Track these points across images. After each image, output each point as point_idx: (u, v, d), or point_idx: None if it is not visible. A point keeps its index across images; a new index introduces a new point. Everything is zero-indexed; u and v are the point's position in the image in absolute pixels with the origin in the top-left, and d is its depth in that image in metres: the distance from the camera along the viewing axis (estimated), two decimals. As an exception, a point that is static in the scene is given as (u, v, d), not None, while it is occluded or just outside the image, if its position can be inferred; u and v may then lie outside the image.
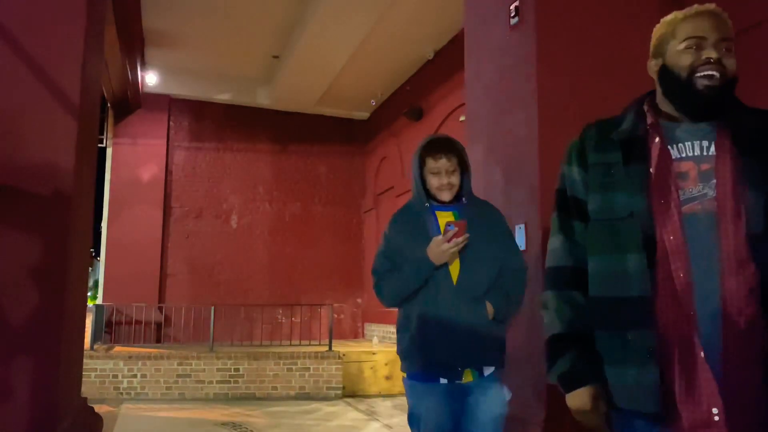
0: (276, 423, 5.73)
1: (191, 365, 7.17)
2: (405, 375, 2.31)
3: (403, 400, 7.31)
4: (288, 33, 8.44)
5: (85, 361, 5.56)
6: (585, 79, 3.52)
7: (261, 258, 10.41)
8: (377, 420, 5.89)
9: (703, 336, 1.25)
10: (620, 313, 1.36)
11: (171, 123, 10.19)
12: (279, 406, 6.67)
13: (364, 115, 11.12)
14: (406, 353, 2.27)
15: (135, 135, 9.83)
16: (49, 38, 3.21)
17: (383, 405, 6.76)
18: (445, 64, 8.07)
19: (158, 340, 9.36)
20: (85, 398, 4.04)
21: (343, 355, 7.46)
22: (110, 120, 9.74)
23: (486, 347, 2.21)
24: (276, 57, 9.24)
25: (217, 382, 7.17)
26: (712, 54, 1.35)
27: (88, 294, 5.58)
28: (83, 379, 4.53)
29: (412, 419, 2.26)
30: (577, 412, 1.43)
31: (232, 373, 7.21)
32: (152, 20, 8.10)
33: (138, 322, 9.11)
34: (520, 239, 3.43)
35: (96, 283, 12.99)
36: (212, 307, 7.99)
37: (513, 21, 3.70)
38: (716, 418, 1.21)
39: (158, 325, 9.46)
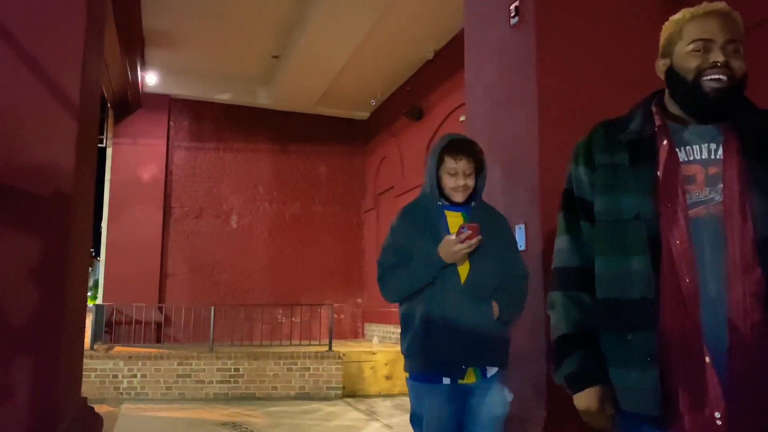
0: (276, 423, 5.73)
1: (191, 365, 7.17)
2: (408, 375, 2.30)
3: (403, 400, 7.33)
4: (288, 33, 8.44)
5: (85, 361, 5.56)
6: (585, 79, 3.52)
7: (261, 258, 10.42)
8: (377, 420, 5.89)
9: (708, 340, 1.24)
10: (623, 315, 1.36)
11: (171, 123, 10.19)
12: (279, 406, 6.68)
13: (364, 115, 11.12)
14: (409, 352, 2.26)
15: (135, 135, 9.83)
16: (49, 38, 3.21)
17: (383, 405, 6.76)
18: (445, 64, 8.07)
19: (158, 340, 9.37)
20: (85, 398, 4.03)
21: (343, 355, 7.46)
22: (110, 120, 9.74)
23: (490, 347, 2.22)
24: (276, 57, 9.24)
25: (217, 382, 7.17)
26: (719, 57, 1.32)
27: (88, 294, 5.58)
28: (83, 379, 4.53)
29: (415, 419, 2.26)
30: (584, 412, 1.41)
31: (232, 373, 7.22)
32: (152, 20, 8.10)
33: (138, 322, 9.11)
34: (520, 239, 3.43)
35: (96, 283, 12.99)
36: (212, 307, 7.99)
37: (513, 21, 3.70)
38: (719, 422, 1.21)
39: (158, 325, 9.46)
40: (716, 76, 1.32)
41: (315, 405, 6.75)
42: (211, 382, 7.16)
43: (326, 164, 11.03)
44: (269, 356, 7.30)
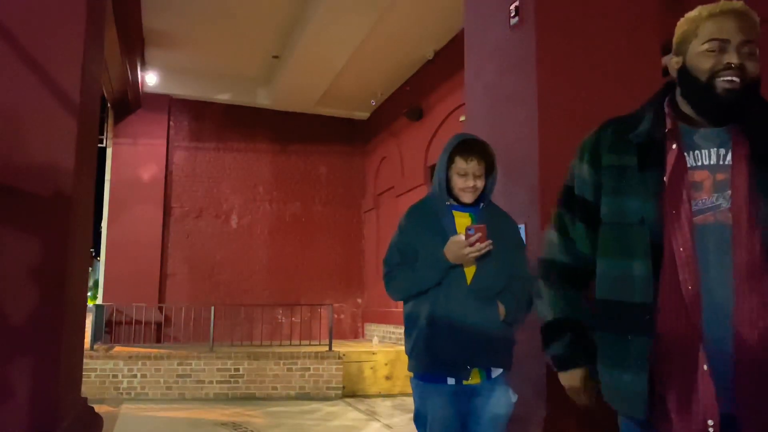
0: (276, 423, 5.73)
1: (191, 365, 7.17)
2: (412, 374, 2.30)
3: (403, 400, 7.33)
4: (288, 33, 8.44)
5: (85, 361, 5.56)
6: (585, 79, 3.52)
7: (261, 258, 10.42)
8: (377, 420, 5.89)
9: (710, 348, 1.23)
10: (621, 318, 1.36)
11: (171, 123, 10.19)
12: (279, 406, 6.68)
13: (364, 115, 11.12)
14: (414, 352, 2.26)
15: (135, 135, 9.83)
16: (49, 38, 3.21)
17: (383, 405, 6.76)
18: (445, 64, 8.07)
19: (158, 340, 9.37)
20: (85, 398, 4.03)
21: (343, 355, 7.46)
22: (110, 120, 9.74)
23: (495, 348, 2.21)
24: (276, 57, 9.25)
25: (217, 382, 7.17)
26: (734, 59, 1.30)
27: (88, 294, 5.58)
28: (83, 379, 4.53)
29: (418, 419, 2.26)
30: (569, 389, 1.55)
31: (232, 373, 7.22)
32: (152, 20, 8.10)
33: (138, 322, 9.11)
34: (520, 239, 3.43)
35: (96, 283, 12.99)
36: (212, 307, 8.00)
37: (513, 21, 3.70)
38: (711, 430, 1.21)
39: (158, 325, 9.46)
40: (729, 78, 1.29)
41: (315, 405, 6.75)
42: (211, 382, 7.16)
43: (326, 164, 11.03)
44: (269, 356, 7.30)
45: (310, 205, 10.86)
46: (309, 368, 7.31)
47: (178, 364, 7.15)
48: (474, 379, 2.20)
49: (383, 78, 9.43)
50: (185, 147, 10.29)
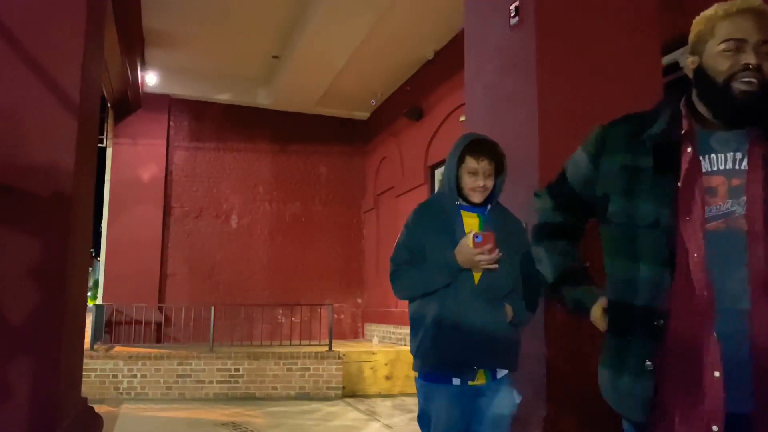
0: (276, 423, 5.73)
1: (191, 365, 7.17)
2: (417, 375, 2.30)
3: (403, 400, 7.32)
4: (288, 33, 8.44)
5: (85, 361, 5.56)
6: (585, 79, 3.52)
7: (261, 258, 10.42)
8: (377, 420, 5.89)
9: (725, 354, 1.21)
10: (625, 319, 1.35)
11: (171, 123, 10.19)
12: (279, 406, 6.68)
13: (364, 115, 11.12)
14: (419, 352, 2.26)
15: (135, 135, 9.83)
16: (49, 38, 3.21)
17: (383, 405, 6.76)
18: (445, 64, 8.07)
19: (158, 340, 9.37)
20: (85, 398, 4.03)
21: (343, 355, 7.46)
22: (110, 120, 9.74)
23: (502, 349, 2.21)
24: (276, 57, 9.24)
25: (217, 382, 7.17)
26: (752, 59, 1.26)
27: (88, 294, 5.58)
28: (83, 379, 4.53)
29: (422, 419, 2.26)
30: (593, 320, 1.58)
31: (232, 373, 7.22)
32: (152, 20, 8.10)
33: (138, 322, 9.11)
34: (520, 239, 3.43)
35: (96, 283, 12.99)
36: (212, 307, 8.00)
37: (513, 21, 3.70)
38: None
39: (158, 325, 9.46)
40: (747, 79, 1.26)
41: (315, 405, 6.75)
42: (211, 382, 7.16)
43: (326, 164, 11.03)
44: (269, 356, 7.30)
45: (310, 205, 10.85)
46: (309, 368, 7.31)
47: (178, 364, 7.15)
48: (479, 380, 2.20)
49: (383, 78, 9.43)
50: (185, 147, 10.29)
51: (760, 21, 1.28)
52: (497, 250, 2.13)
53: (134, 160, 9.79)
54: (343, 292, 10.72)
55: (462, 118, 6.66)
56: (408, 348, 2.38)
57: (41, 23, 3.20)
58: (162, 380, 7.10)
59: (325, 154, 11.03)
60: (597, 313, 1.51)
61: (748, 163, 1.28)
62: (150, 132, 9.92)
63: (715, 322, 1.22)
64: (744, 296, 1.22)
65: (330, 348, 7.56)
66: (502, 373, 2.24)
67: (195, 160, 10.33)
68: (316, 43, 7.99)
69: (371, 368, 7.55)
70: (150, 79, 9.51)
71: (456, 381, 2.18)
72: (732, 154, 1.30)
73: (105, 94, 8.68)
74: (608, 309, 1.43)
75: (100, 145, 8.26)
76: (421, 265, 2.25)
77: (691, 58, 1.39)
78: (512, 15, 3.71)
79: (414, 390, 2.39)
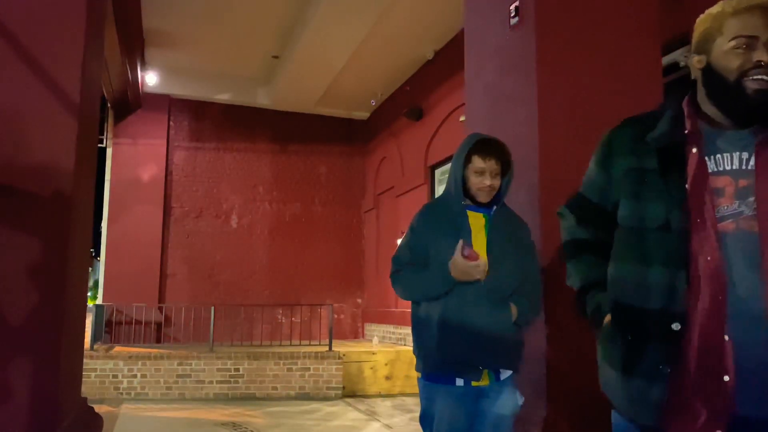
0: (276, 423, 5.73)
1: (191, 365, 7.17)
2: (419, 375, 2.29)
3: (403, 400, 7.32)
4: (288, 33, 8.44)
5: (85, 361, 5.56)
6: (585, 79, 3.52)
7: (261, 258, 10.42)
8: (377, 420, 5.89)
9: (740, 356, 1.19)
10: (636, 323, 1.32)
11: (171, 123, 10.19)
12: (279, 406, 6.68)
13: (364, 115, 11.12)
14: (423, 352, 2.25)
15: (135, 135, 9.83)
16: (49, 38, 3.21)
17: (383, 405, 6.76)
18: (445, 64, 8.07)
19: (158, 340, 9.37)
20: (85, 398, 4.03)
21: (343, 355, 7.46)
22: (110, 120, 9.74)
23: (506, 350, 2.21)
24: (276, 57, 9.25)
25: (217, 382, 7.17)
26: (764, 56, 1.23)
27: (88, 294, 5.58)
28: (83, 379, 4.53)
29: (425, 419, 2.25)
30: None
31: (232, 373, 7.22)
32: (152, 20, 8.10)
33: (138, 322, 9.11)
34: (520, 239, 3.43)
35: (96, 283, 12.99)
36: (212, 307, 8.00)
37: (513, 21, 3.70)
38: None
39: (158, 325, 9.46)
40: (760, 77, 1.23)
41: (315, 405, 6.75)
42: (211, 382, 7.16)
43: (326, 164, 11.03)
44: (269, 356, 7.30)
45: (310, 205, 10.86)
46: (309, 368, 7.31)
47: (178, 364, 7.15)
48: (483, 381, 2.19)
49: (383, 78, 9.43)
50: (185, 147, 10.29)
51: None
52: (485, 263, 2.14)
53: (134, 160, 9.80)
54: (343, 292, 10.72)
55: (462, 118, 6.66)
56: (408, 348, 2.38)
57: (41, 23, 3.20)
58: (162, 380, 7.10)
59: (325, 154, 11.03)
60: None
61: (756, 162, 1.25)
62: (150, 132, 9.92)
63: (728, 326, 1.20)
64: (759, 299, 1.20)
65: (330, 348, 7.56)
66: (505, 374, 2.24)
67: (195, 160, 10.33)
68: (316, 43, 7.99)
69: (371, 368, 7.55)
70: (150, 79, 9.51)
71: (459, 381, 2.18)
72: (738, 153, 1.27)
73: (105, 94, 8.68)
74: (614, 312, 1.40)
75: (100, 145, 8.26)
76: (420, 271, 2.25)
77: (697, 57, 1.36)
78: (512, 15, 3.71)
79: (414, 390, 2.39)
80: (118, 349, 7.68)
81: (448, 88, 8.01)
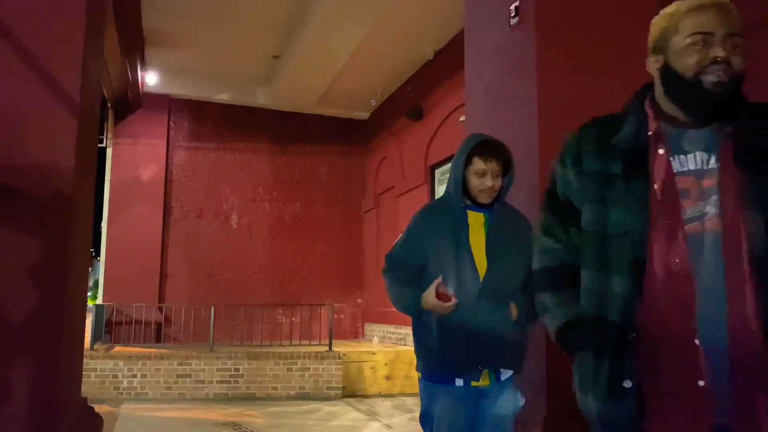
0: (276, 423, 5.73)
1: (191, 365, 7.17)
2: (420, 375, 2.30)
3: (403, 400, 7.32)
4: (288, 33, 8.44)
5: (85, 361, 5.56)
6: (585, 79, 3.52)
7: (261, 258, 10.42)
8: (377, 420, 5.89)
9: (708, 363, 1.17)
10: (602, 337, 1.28)
11: (171, 123, 10.19)
12: (279, 406, 6.68)
13: (364, 115, 11.12)
14: (423, 352, 2.26)
15: (135, 135, 9.83)
16: (49, 38, 3.21)
17: (383, 405, 6.76)
18: (445, 64, 8.07)
19: (158, 340, 9.37)
20: (85, 398, 4.03)
21: (343, 355, 7.46)
22: (110, 120, 9.74)
23: (506, 350, 2.20)
24: (276, 57, 9.25)
25: (217, 382, 7.17)
26: (720, 52, 1.23)
27: (88, 294, 5.58)
28: (83, 379, 4.53)
29: (425, 419, 2.25)
30: None
31: (232, 373, 7.22)
32: (152, 20, 8.10)
33: (138, 322, 9.11)
34: (520, 239, 3.43)
35: (96, 283, 12.99)
36: (212, 307, 8.00)
37: (513, 21, 3.70)
38: None
39: (158, 325, 9.46)
40: (716, 73, 1.23)
41: (315, 405, 6.75)
42: (211, 382, 7.16)
43: (326, 164, 11.03)
44: (269, 356, 7.30)
45: (310, 205, 10.86)
46: (309, 368, 7.31)
47: (178, 364, 7.15)
48: (483, 381, 2.19)
49: (383, 78, 9.43)
50: (185, 147, 10.29)
51: (724, 15, 1.26)
52: (454, 301, 2.16)
53: (134, 160, 9.79)
54: (343, 292, 10.72)
55: (462, 118, 6.66)
56: (408, 348, 2.39)
57: (41, 23, 3.21)
58: (162, 380, 7.10)
59: (325, 154, 11.03)
60: None
61: (719, 161, 1.24)
62: (150, 132, 9.92)
63: (698, 331, 1.18)
64: (723, 301, 1.19)
65: (330, 348, 7.56)
66: (506, 374, 2.23)
67: (195, 160, 10.33)
68: (316, 43, 7.99)
69: (371, 368, 7.55)
70: (150, 79, 9.51)
71: (459, 382, 2.18)
72: (700, 153, 1.26)
73: (105, 94, 8.68)
74: (582, 325, 1.34)
75: (100, 145, 8.26)
76: (403, 286, 2.30)
77: (654, 57, 1.36)
78: (512, 15, 3.71)
79: (414, 390, 2.40)
80: (118, 349, 7.68)
81: (448, 88, 8.01)
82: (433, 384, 2.23)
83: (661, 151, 1.27)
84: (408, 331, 2.40)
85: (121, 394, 6.98)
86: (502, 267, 2.20)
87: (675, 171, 1.26)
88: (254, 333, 8.69)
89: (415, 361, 2.34)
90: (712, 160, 1.25)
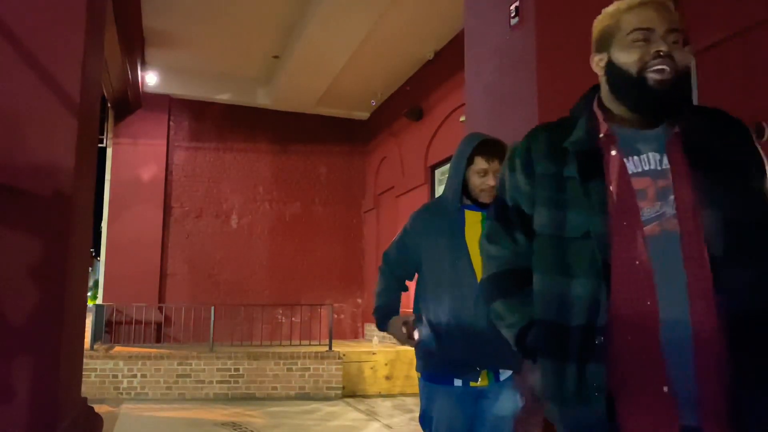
0: (276, 423, 5.73)
1: (191, 365, 7.17)
2: (420, 375, 2.30)
3: (403, 400, 7.32)
4: (288, 33, 8.44)
5: (85, 361, 5.56)
6: (585, 79, 3.51)
7: (261, 258, 10.42)
8: (377, 420, 5.89)
9: (671, 365, 1.16)
10: (565, 343, 1.24)
11: (171, 123, 10.19)
12: (279, 406, 6.68)
13: (364, 115, 11.12)
14: (422, 352, 2.26)
15: (135, 135, 9.83)
16: (49, 38, 3.21)
17: (383, 405, 6.76)
18: (445, 64, 8.07)
19: (158, 340, 9.37)
20: (85, 398, 4.03)
21: (343, 355, 7.46)
22: (110, 120, 9.74)
23: (505, 349, 2.20)
24: (276, 57, 9.25)
25: (217, 382, 7.17)
26: (662, 47, 1.23)
27: (88, 294, 5.58)
28: (83, 379, 4.53)
29: (424, 420, 2.26)
30: None
31: (232, 373, 7.22)
32: (152, 20, 8.10)
33: (138, 322, 9.11)
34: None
35: (96, 283, 12.99)
36: (212, 307, 8.00)
37: (513, 21, 3.70)
38: None
39: (158, 325, 9.46)
40: (660, 67, 1.22)
41: (315, 405, 6.75)
42: (211, 382, 7.16)
43: (326, 164, 11.03)
44: (269, 356, 7.30)
45: (310, 205, 10.86)
46: (309, 368, 7.31)
47: (178, 364, 7.15)
48: (482, 381, 2.19)
49: (383, 78, 9.43)
50: (185, 147, 10.29)
51: (664, 11, 1.27)
52: (414, 342, 2.28)
53: (134, 160, 9.79)
54: (343, 292, 10.72)
55: (462, 118, 6.66)
56: (408, 348, 2.39)
57: (41, 23, 3.21)
58: (162, 380, 7.10)
59: (325, 154, 11.03)
60: None
61: (671, 162, 1.24)
62: (150, 132, 9.92)
63: (661, 334, 1.16)
64: (685, 303, 1.17)
65: (330, 348, 7.56)
66: (505, 374, 2.23)
67: (195, 160, 10.33)
68: (316, 43, 7.99)
69: (371, 368, 7.55)
70: (150, 79, 9.51)
71: (457, 382, 2.18)
72: (653, 154, 1.26)
73: (105, 94, 8.68)
74: (539, 331, 1.30)
75: (100, 145, 8.26)
76: (384, 294, 2.39)
77: (597, 56, 1.36)
78: (512, 15, 3.71)
79: (414, 390, 2.41)
80: (118, 349, 7.68)
81: (448, 88, 8.01)
82: (432, 384, 2.23)
83: (613, 152, 1.27)
84: (408, 331, 2.42)
85: (121, 394, 6.98)
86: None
87: (630, 172, 1.25)
88: (254, 333, 8.69)
89: (415, 361, 2.35)
90: (665, 160, 1.25)
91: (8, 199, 3.01)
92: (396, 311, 2.40)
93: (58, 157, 3.12)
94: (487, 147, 2.27)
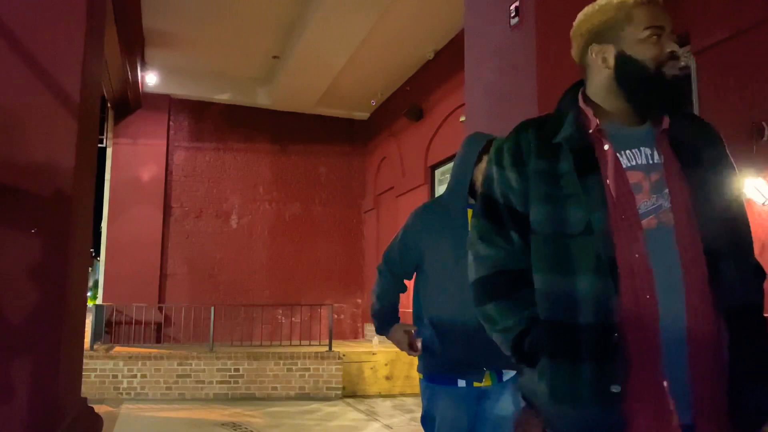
0: (276, 423, 5.73)
1: (191, 365, 7.17)
2: (421, 376, 2.29)
3: (403, 401, 7.32)
4: (288, 33, 8.44)
5: (85, 361, 5.56)
6: (585, 79, 3.52)
7: (261, 258, 10.42)
8: (377, 420, 5.89)
9: (669, 359, 1.15)
10: (577, 343, 1.20)
11: (171, 123, 10.20)
12: (279, 406, 6.68)
13: (364, 115, 11.12)
14: (424, 352, 2.25)
15: (135, 135, 9.84)
16: (49, 38, 3.21)
17: (383, 405, 6.76)
18: (445, 64, 8.07)
19: (158, 340, 9.37)
20: (85, 398, 4.03)
21: (343, 355, 7.46)
22: (110, 120, 9.75)
23: None
24: (276, 57, 9.25)
25: (217, 382, 7.17)
26: (675, 47, 1.25)
27: (88, 294, 5.58)
28: (83, 379, 4.53)
29: (426, 420, 2.25)
30: None
31: (232, 373, 7.22)
32: (152, 20, 8.10)
33: (138, 322, 9.11)
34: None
35: (96, 283, 12.99)
36: (212, 307, 8.00)
37: (513, 21, 3.70)
38: None
39: (158, 325, 9.47)
40: (680, 64, 1.25)
41: (315, 405, 6.75)
42: (211, 382, 7.16)
43: (326, 164, 11.03)
44: (269, 356, 7.31)
45: (310, 205, 10.86)
46: (309, 368, 7.31)
47: (178, 364, 7.15)
48: (485, 381, 2.18)
49: (383, 78, 9.44)
50: (185, 147, 10.30)
51: (666, 11, 1.28)
52: (414, 354, 2.27)
53: (134, 160, 9.80)
54: (343, 293, 10.72)
55: (462, 118, 6.66)
56: (408, 348, 2.38)
57: (41, 23, 3.21)
58: (162, 380, 7.10)
59: (325, 154, 11.03)
60: None
61: (661, 155, 1.24)
62: (150, 132, 9.93)
63: (660, 329, 1.15)
64: (682, 297, 1.16)
65: (330, 348, 7.56)
66: (507, 374, 2.23)
67: (195, 160, 10.33)
68: (316, 43, 8.00)
69: (371, 368, 7.55)
70: (150, 79, 9.51)
71: (461, 382, 2.17)
72: (644, 148, 1.26)
73: (105, 94, 8.68)
74: (544, 332, 1.25)
75: (100, 145, 8.27)
76: (382, 297, 2.37)
77: (598, 47, 1.32)
78: (512, 15, 3.71)
79: (414, 390, 2.41)
80: (118, 349, 7.68)
81: (448, 88, 8.02)
82: (434, 385, 2.22)
83: (606, 147, 1.25)
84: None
85: (121, 394, 6.99)
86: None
87: (625, 166, 1.24)
88: (254, 333, 8.69)
89: (415, 361, 2.34)
90: (656, 155, 1.25)
91: (8, 199, 3.01)
92: (395, 314, 2.38)
93: (58, 157, 3.12)
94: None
